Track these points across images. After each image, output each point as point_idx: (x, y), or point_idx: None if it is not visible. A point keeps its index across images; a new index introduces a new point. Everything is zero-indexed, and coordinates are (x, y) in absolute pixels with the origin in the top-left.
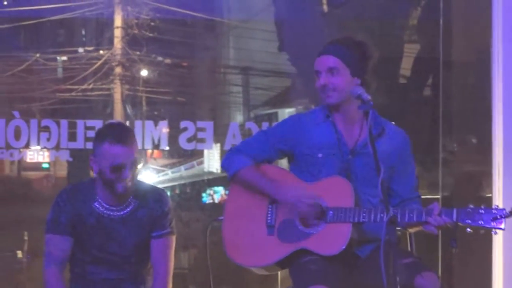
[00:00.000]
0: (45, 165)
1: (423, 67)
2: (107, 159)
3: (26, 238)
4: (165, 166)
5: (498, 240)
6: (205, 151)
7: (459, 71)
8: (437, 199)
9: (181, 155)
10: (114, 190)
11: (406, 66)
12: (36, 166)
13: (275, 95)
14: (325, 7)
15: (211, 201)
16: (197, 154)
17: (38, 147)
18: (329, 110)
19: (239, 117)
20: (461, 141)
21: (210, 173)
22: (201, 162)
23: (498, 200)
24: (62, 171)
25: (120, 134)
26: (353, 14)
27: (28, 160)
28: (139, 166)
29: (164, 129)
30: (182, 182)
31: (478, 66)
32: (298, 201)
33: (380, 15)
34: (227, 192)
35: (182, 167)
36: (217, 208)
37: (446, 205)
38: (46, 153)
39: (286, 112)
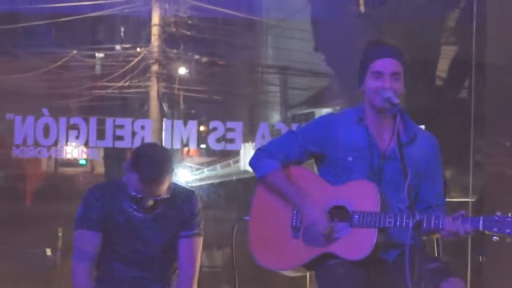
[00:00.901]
0: (82, 162)
1: (459, 69)
2: (132, 187)
3: (60, 234)
4: (201, 164)
5: None
6: (242, 150)
7: (493, 73)
8: (468, 202)
9: (217, 153)
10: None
11: (442, 68)
12: (73, 163)
13: (312, 95)
14: (362, 8)
15: None
16: (233, 153)
17: (73, 144)
18: (363, 113)
19: (276, 117)
20: (494, 143)
21: (246, 171)
22: (237, 161)
23: None
24: (99, 168)
25: (150, 177)
26: (389, 15)
27: (63, 157)
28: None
29: (196, 128)
30: (218, 180)
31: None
32: (314, 222)
33: (416, 16)
34: None
35: (218, 166)
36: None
37: (477, 207)
38: (76, 151)
39: (323, 112)
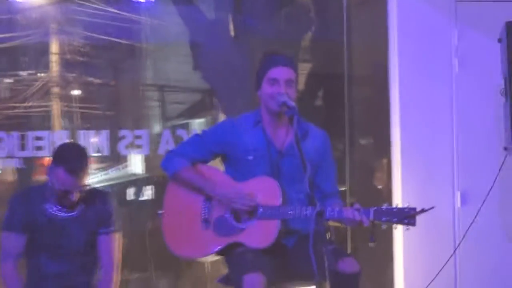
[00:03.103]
0: None
1: (313, 82)
2: (58, 182)
3: None
4: (96, 169)
5: (398, 233)
6: (129, 156)
7: (359, 84)
8: (344, 190)
9: (109, 160)
10: (62, 199)
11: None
12: None
13: (187, 108)
14: (232, 33)
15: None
16: (122, 159)
17: None
18: (260, 116)
19: (157, 127)
20: (363, 142)
21: (134, 174)
22: (126, 166)
23: (397, 192)
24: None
25: (75, 166)
26: (257, 37)
27: None
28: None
29: (94, 138)
30: (111, 183)
31: (376, 78)
32: (235, 196)
33: (279, 37)
34: None
35: (110, 170)
36: (141, 205)
37: (351, 195)
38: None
39: (196, 122)
